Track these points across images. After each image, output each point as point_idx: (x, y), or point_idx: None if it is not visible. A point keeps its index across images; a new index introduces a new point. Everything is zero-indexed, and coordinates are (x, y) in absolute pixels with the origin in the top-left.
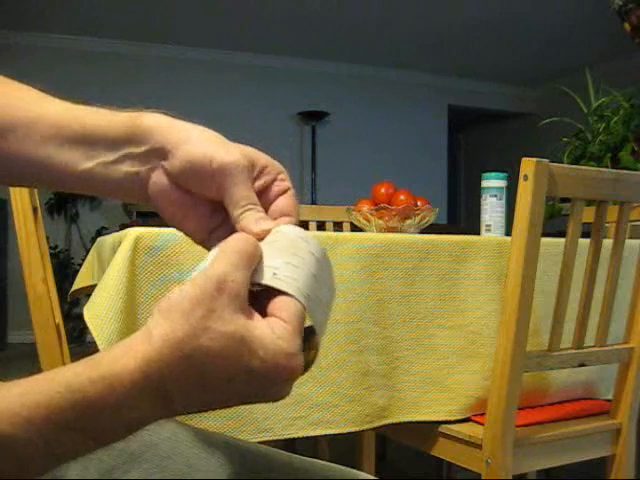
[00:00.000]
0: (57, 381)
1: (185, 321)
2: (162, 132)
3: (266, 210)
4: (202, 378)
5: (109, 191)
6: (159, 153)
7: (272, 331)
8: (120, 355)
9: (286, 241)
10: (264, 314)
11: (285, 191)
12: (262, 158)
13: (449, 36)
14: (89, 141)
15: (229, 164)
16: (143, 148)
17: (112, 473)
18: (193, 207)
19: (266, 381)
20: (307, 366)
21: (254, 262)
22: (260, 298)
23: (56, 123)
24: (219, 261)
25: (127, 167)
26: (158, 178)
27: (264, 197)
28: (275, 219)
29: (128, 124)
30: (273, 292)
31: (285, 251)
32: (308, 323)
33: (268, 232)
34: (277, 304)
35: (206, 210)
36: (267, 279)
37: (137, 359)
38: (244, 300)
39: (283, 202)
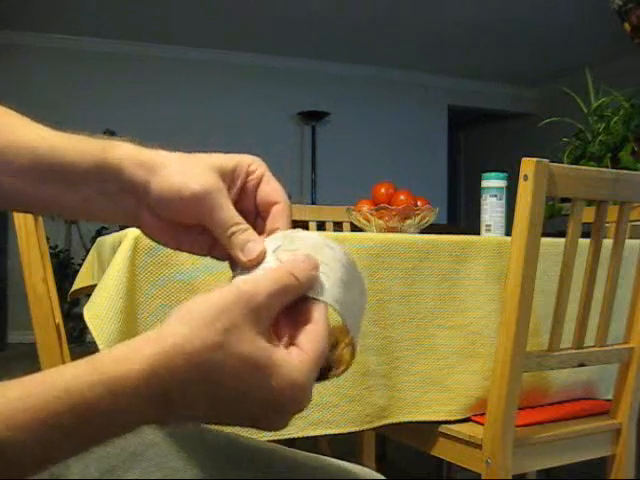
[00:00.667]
0: (56, 385)
1: (204, 330)
2: (130, 170)
3: (254, 206)
4: (209, 393)
5: (109, 219)
6: (132, 190)
7: (290, 362)
8: (123, 357)
9: (310, 249)
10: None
11: (260, 179)
12: (230, 162)
13: (449, 36)
14: (64, 176)
15: (199, 193)
16: (115, 187)
17: (113, 472)
18: (185, 233)
19: (271, 410)
20: (347, 367)
21: (289, 294)
22: (284, 323)
23: (32, 157)
24: (255, 282)
25: (107, 202)
26: (141, 212)
27: (247, 197)
28: (267, 211)
29: (98, 158)
30: (299, 317)
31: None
32: (335, 318)
33: (261, 255)
34: (302, 334)
35: (198, 232)
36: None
37: (142, 363)
38: (269, 326)
39: (264, 191)
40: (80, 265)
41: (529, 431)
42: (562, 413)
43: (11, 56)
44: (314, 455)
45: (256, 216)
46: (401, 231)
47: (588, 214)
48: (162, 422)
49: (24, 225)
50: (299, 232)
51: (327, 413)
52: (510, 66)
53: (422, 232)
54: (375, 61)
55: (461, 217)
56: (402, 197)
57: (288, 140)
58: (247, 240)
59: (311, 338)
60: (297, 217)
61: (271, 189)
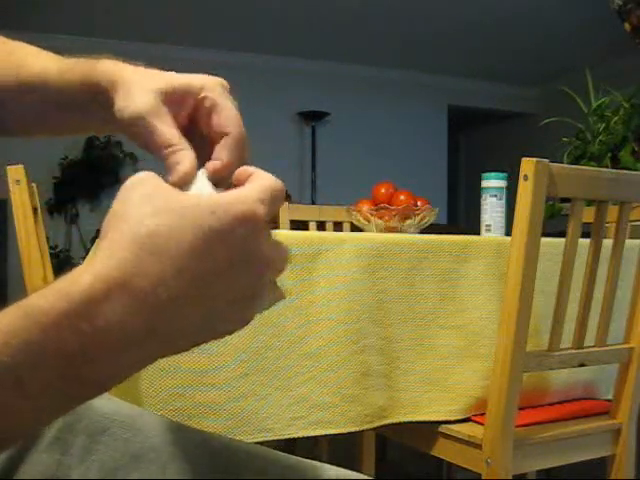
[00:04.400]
0: (11, 307)
1: (129, 219)
2: (105, 88)
3: (209, 133)
4: (167, 260)
5: (118, 131)
6: (110, 108)
7: (227, 194)
8: (76, 274)
9: None
10: None
11: (213, 107)
12: (176, 83)
13: (449, 36)
14: (70, 101)
15: (134, 116)
16: (99, 107)
17: (114, 474)
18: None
19: (231, 244)
20: None
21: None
22: None
23: (42, 88)
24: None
25: (109, 117)
26: None
27: (198, 121)
28: (218, 142)
29: (82, 76)
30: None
31: None
32: None
33: (186, 177)
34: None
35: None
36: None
37: (90, 271)
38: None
39: (214, 121)
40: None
41: (529, 431)
42: (562, 413)
43: None
44: (309, 462)
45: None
46: (401, 231)
47: (588, 214)
48: (147, 319)
49: (24, 225)
50: None
51: (327, 413)
52: (510, 66)
53: (422, 232)
54: (375, 61)
55: (461, 217)
56: (402, 197)
57: (288, 140)
58: (174, 161)
59: (255, 177)
60: (297, 217)
61: (222, 118)
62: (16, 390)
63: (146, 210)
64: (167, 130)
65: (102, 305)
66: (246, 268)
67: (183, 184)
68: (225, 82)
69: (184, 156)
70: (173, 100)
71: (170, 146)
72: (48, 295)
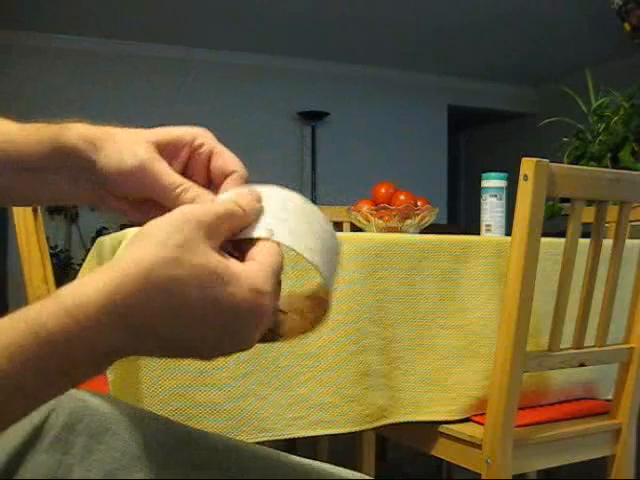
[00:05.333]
0: (20, 319)
1: (156, 248)
2: (83, 149)
3: (206, 179)
4: (170, 309)
5: (78, 201)
6: (90, 169)
7: (248, 270)
8: (84, 284)
9: (271, 201)
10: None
11: (210, 153)
12: (168, 135)
13: (449, 36)
14: (28, 166)
15: (136, 166)
16: (75, 169)
17: (115, 474)
18: (148, 209)
19: (235, 319)
20: (319, 321)
21: (235, 220)
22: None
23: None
24: (201, 205)
25: (72, 184)
26: (102, 190)
27: (196, 170)
28: (220, 182)
29: (54, 144)
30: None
31: (272, 210)
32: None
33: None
34: (254, 249)
35: (160, 206)
36: (258, 232)
37: (99, 288)
38: (220, 244)
39: (217, 164)
40: (80, 265)
41: (529, 431)
42: (562, 413)
43: (11, 56)
44: (310, 462)
45: (210, 188)
46: (401, 231)
47: (588, 214)
48: (129, 350)
49: (24, 225)
50: (263, 188)
51: (327, 413)
52: (510, 66)
53: (422, 232)
54: (375, 61)
55: (461, 217)
56: (402, 197)
57: (288, 140)
58: (194, 197)
59: (265, 252)
60: None
61: (224, 161)
62: (16, 392)
63: (171, 255)
64: (172, 172)
65: (104, 331)
66: (239, 336)
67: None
68: (211, 133)
69: (200, 190)
70: (166, 152)
71: (181, 185)
72: (55, 314)
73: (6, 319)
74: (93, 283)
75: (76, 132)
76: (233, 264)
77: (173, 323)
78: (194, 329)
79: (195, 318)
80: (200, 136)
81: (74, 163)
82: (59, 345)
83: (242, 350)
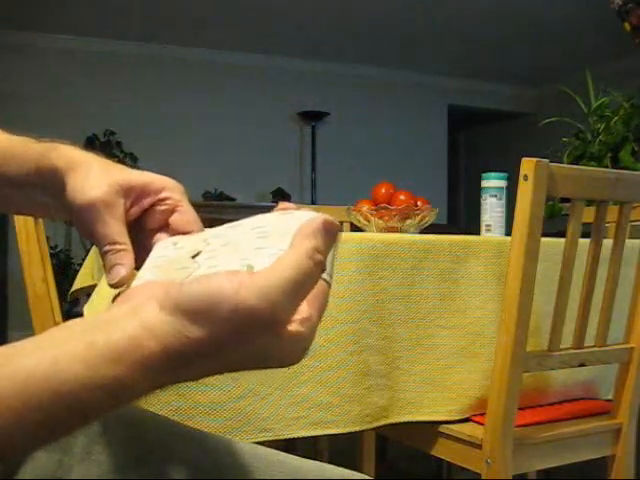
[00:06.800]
0: (53, 386)
1: (225, 331)
2: (63, 170)
3: (162, 228)
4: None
5: (62, 218)
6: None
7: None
8: (118, 356)
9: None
10: None
11: (174, 208)
12: (138, 180)
13: (449, 36)
14: (11, 180)
15: (87, 203)
16: (57, 188)
17: (114, 474)
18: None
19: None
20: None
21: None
22: None
23: None
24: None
25: (55, 202)
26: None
27: (154, 220)
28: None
29: (39, 163)
30: None
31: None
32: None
33: (121, 282)
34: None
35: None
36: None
37: (142, 365)
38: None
39: (177, 221)
40: (80, 265)
41: (529, 431)
42: (562, 413)
43: (11, 56)
44: (311, 462)
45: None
46: (401, 231)
47: (588, 214)
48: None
49: (24, 225)
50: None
51: (327, 413)
52: (510, 66)
53: (422, 232)
54: (375, 61)
55: (461, 217)
56: (402, 197)
57: (288, 140)
58: (115, 263)
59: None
60: None
61: (185, 221)
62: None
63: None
64: (114, 224)
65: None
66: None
67: (120, 286)
68: (182, 187)
69: (124, 258)
70: (129, 195)
71: (112, 243)
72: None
73: (35, 379)
74: (134, 355)
75: (62, 153)
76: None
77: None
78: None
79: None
80: (169, 189)
81: (55, 183)
82: (92, 414)
83: (293, 362)
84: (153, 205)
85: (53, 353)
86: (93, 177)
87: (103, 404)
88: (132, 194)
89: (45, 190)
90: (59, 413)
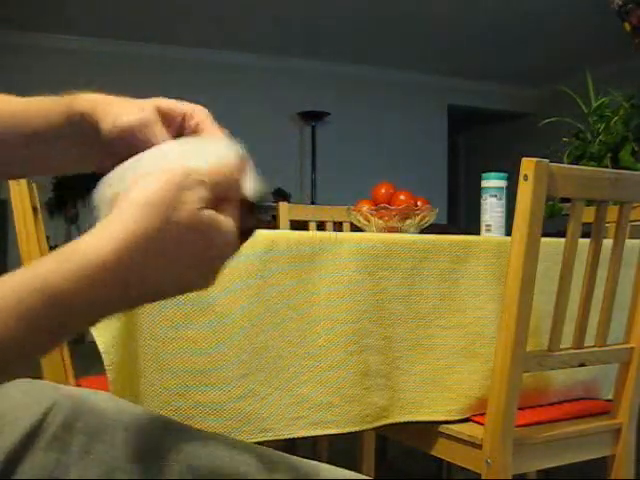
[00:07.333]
0: (31, 280)
1: (160, 214)
2: (91, 110)
3: None
4: (166, 262)
5: (89, 168)
6: (95, 133)
7: (228, 218)
8: (87, 245)
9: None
10: None
11: (201, 130)
12: (168, 103)
13: (449, 36)
14: (42, 137)
15: (134, 123)
16: (87, 131)
17: (113, 474)
18: None
19: (206, 260)
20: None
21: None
22: None
23: (13, 127)
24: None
25: (78, 146)
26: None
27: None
28: None
29: (68, 112)
30: None
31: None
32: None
33: None
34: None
35: None
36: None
37: (111, 246)
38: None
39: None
40: None
41: (529, 431)
42: (562, 413)
43: (11, 56)
44: (310, 462)
45: None
46: (401, 231)
47: (588, 214)
48: (120, 304)
49: (24, 225)
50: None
51: (327, 413)
52: (510, 66)
53: (422, 232)
54: (375, 61)
55: (461, 217)
56: (402, 197)
57: (288, 140)
58: None
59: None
60: (297, 217)
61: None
62: (18, 348)
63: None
64: (159, 139)
65: (105, 288)
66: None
67: None
68: (207, 110)
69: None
70: (163, 117)
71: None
72: (63, 274)
73: (11, 278)
74: (97, 243)
75: (86, 98)
76: (221, 219)
77: (159, 275)
78: (174, 276)
79: (181, 270)
80: (197, 112)
81: (85, 127)
82: (66, 304)
83: (224, 258)
84: (182, 129)
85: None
86: (126, 105)
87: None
88: (165, 117)
89: (76, 139)
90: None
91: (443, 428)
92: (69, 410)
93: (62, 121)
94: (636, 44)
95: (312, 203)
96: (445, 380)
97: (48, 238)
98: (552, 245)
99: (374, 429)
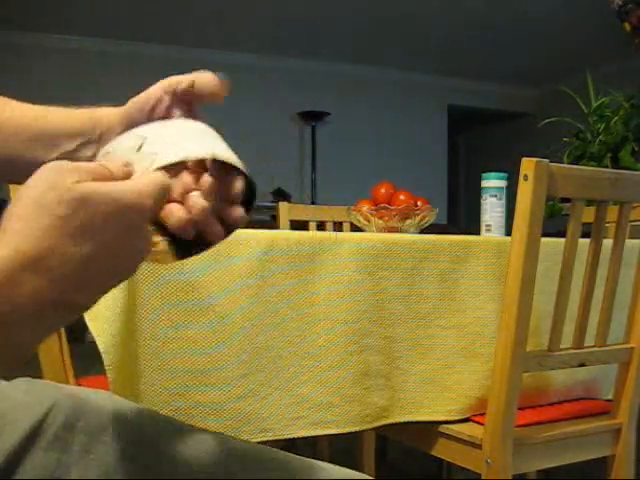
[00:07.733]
0: None
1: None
2: (109, 118)
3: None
4: (69, 237)
5: None
6: (109, 134)
7: (125, 182)
8: None
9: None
10: None
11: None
12: (145, 93)
13: (449, 36)
14: (50, 135)
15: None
16: (97, 132)
17: (114, 473)
18: None
19: (121, 222)
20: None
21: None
22: None
23: (18, 124)
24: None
25: (88, 152)
26: None
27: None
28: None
29: (85, 116)
30: None
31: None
32: None
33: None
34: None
35: None
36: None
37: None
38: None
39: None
40: None
41: (529, 431)
42: (562, 413)
43: (12, 56)
44: (310, 461)
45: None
46: (401, 231)
47: (588, 214)
48: (60, 295)
49: None
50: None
51: (327, 413)
52: (510, 66)
53: (422, 232)
54: (375, 61)
55: (461, 217)
56: (402, 197)
57: (288, 140)
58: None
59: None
60: (297, 217)
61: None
62: None
63: (52, 197)
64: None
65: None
66: (129, 245)
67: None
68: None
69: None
70: (139, 106)
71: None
72: None
73: None
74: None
75: (106, 109)
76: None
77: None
78: (94, 248)
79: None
80: (184, 79)
81: (97, 131)
82: None
83: (139, 258)
84: (185, 94)
85: None
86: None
87: None
88: (140, 104)
89: (93, 144)
90: None
91: (443, 428)
92: (70, 410)
93: (87, 127)
94: (636, 44)
95: (312, 203)
96: (445, 380)
97: None
98: (552, 245)
99: (374, 429)
